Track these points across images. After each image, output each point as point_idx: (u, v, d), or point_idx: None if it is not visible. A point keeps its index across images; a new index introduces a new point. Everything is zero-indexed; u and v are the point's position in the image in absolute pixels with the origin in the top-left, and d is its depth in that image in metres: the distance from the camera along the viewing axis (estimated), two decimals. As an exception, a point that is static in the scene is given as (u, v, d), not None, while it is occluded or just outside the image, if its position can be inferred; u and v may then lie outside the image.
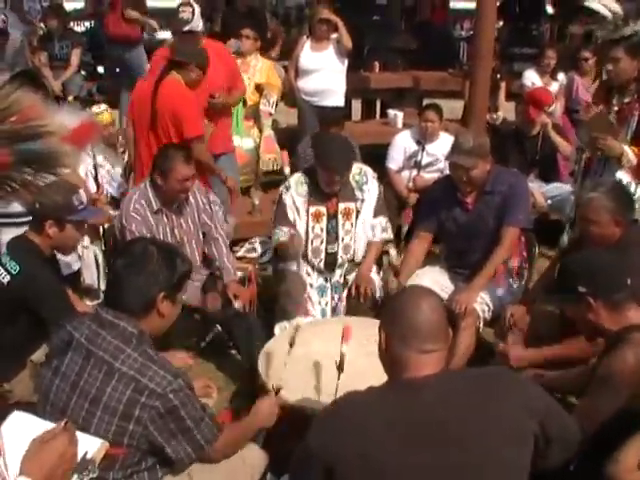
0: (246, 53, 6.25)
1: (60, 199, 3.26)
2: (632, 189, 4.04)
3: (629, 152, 4.01)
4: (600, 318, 2.66)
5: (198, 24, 4.92)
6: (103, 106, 5.36)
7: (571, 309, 2.82)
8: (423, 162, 5.79)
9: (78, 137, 4.09)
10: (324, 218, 4.27)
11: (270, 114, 6.37)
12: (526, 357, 3.41)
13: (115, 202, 4.91)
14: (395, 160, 5.94)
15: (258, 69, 6.26)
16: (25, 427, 1.87)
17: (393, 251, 4.60)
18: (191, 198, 4.20)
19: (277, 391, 2.82)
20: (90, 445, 1.99)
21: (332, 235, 4.28)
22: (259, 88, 6.23)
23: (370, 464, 1.83)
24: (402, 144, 5.91)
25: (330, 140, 4.42)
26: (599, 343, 2.86)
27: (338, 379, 2.86)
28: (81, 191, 3.58)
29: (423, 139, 5.78)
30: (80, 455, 1.91)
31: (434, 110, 5.81)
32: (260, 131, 6.36)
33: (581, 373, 3.00)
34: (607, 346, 2.67)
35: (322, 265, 4.30)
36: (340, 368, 2.88)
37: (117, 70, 8.03)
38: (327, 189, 4.21)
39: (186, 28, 4.89)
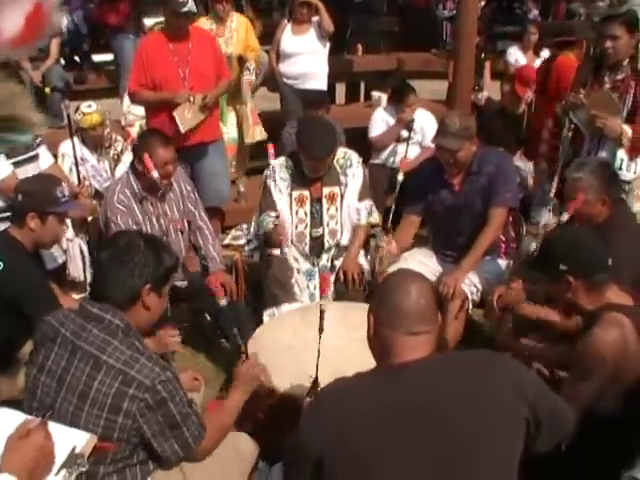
0: (225, 18, 6.05)
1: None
2: (625, 166, 4.03)
3: (628, 131, 3.98)
4: (578, 297, 2.66)
5: (193, 5, 4.92)
6: (94, 105, 5.20)
7: (549, 286, 2.81)
8: (403, 136, 5.91)
9: (30, 32, 3.95)
10: (307, 202, 4.25)
11: (250, 82, 6.26)
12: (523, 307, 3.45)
13: (100, 196, 4.85)
14: (377, 129, 6.06)
15: (234, 27, 6.06)
16: (11, 424, 1.85)
17: (381, 236, 4.56)
18: (175, 186, 4.16)
19: (246, 352, 2.92)
20: (78, 439, 1.97)
21: (316, 219, 4.26)
22: (241, 60, 6.12)
23: (359, 451, 1.81)
24: (381, 118, 6.01)
25: (312, 127, 4.36)
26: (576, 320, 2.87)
27: (319, 338, 2.84)
28: (64, 184, 3.55)
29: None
30: (69, 450, 1.90)
31: (413, 92, 5.93)
32: (237, 112, 6.26)
33: (565, 351, 3.00)
34: (584, 326, 2.66)
35: (307, 250, 4.28)
36: (320, 328, 2.85)
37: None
38: (311, 175, 4.19)
39: (184, 9, 4.84)
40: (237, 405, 2.69)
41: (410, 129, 5.75)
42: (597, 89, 4.20)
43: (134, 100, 5.33)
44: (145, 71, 4.96)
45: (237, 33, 6.06)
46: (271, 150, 4.61)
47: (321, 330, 2.86)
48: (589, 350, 2.53)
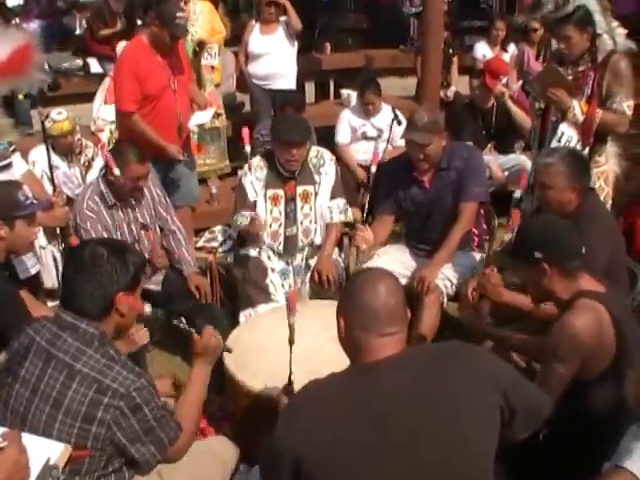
0: (187, 1, 5.86)
1: None
2: (564, 140, 4.09)
3: (576, 107, 4.03)
4: (553, 285, 2.70)
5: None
6: (64, 113, 5.13)
7: (524, 274, 2.85)
8: (370, 134, 6.11)
9: (14, 66, 3.93)
10: (282, 201, 4.26)
11: (212, 67, 6.18)
12: (502, 293, 3.43)
13: (72, 203, 4.81)
14: (343, 134, 6.19)
15: (199, 10, 5.99)
16: None
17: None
18: (146, 191, 4.15)
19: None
20: (52, 450, 1.95)
21: (290, 218, 4.27)
22: (201, 44, 6.01)
23: (335, 452, 1.81)
24: (347, 119, 6.17)
25: (286, 118, 4.43)
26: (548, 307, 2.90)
27: (290, 352, 2.81)
28: (25, 187, 3.50)
29: (367, 117, 6.10)
30: (43, 461, 1.87)
31: (372, 90, 6.04)
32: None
33: (542, 339, 3.03)
34: (558, 314, 2.70)
35: (281, 248, 4.28)
36: (291, 341, 2.82)
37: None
38: (286, 166, 4.19)
39: (185, 34, 4.86)
40: (203, 379, 2.65)
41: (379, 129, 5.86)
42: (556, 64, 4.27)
43: (128, 120, 4.76)
44: (140, 86, 4.68)
45: (202, 15, 6.01)
46: (245, 134, 4.37)
47: (291, 343, 2.81)
48: (567, 335, 2.55)
